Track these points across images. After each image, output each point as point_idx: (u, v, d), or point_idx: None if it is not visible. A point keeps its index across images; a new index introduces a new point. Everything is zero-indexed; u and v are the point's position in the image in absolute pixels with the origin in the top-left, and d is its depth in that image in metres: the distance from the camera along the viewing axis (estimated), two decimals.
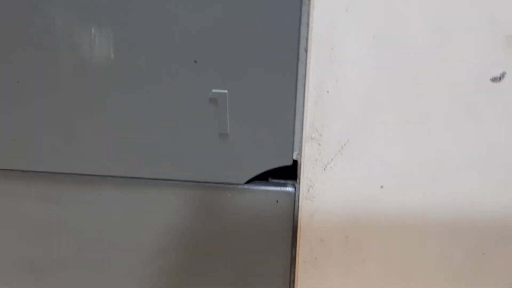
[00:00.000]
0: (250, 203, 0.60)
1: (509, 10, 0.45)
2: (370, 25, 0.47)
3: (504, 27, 0.45)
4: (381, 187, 0.56)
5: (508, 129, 0.51)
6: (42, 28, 0.51)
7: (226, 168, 0.58)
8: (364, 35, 0.47)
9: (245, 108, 0.53)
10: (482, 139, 0.51)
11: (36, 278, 0.70)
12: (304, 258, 0.63)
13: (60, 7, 0.50)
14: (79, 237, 0.66)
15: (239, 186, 0.59)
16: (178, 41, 0.50)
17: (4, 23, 0.52)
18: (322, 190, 0.57)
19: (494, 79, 0.48)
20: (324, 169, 0.56)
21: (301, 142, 0.56)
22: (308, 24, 0.48)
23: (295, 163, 0.58)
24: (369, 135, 0.53)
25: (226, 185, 0.59)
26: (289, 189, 0.59)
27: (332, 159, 0.55)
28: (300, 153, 0.56)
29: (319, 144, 0.54)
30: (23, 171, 0.62)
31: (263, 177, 0.60)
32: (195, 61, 0.51)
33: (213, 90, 0.52)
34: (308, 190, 0.58)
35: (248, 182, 0.59)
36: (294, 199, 0.59)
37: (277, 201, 0.60)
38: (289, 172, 0.60)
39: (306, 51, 0.50)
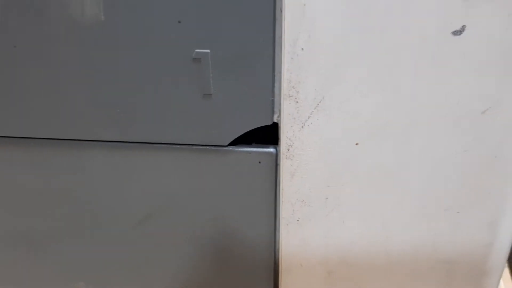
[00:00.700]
0: (234, 165, 0.63)
1: None
2: None
3: None
4: (356, 144, 0.59)
5: (468, 82, 0.54)
6: None
7: (209, 129, 0.61)
8: None
9: (226, 68, 0.57)
10: (450, 90, 0.55)
11: (27, 244, 0.72)
12: (287, 220, 0.65)
13: None
14: (68, 203, 0.68)
15: (223, 148, 0.62)
16: (163, 2, 0.54)
17: None
18: (301, 149, 0.60)
19: (455, 32, 0.52)
20: (302, 127, 0.59)
21: (280, 103, 0.59)
22: None
23: (277, 126, 0.61)
24: (342, 90, 0.56)
25: (209, 147, 0.62)
26: (271, 149, 0.62)
27: (309, 117, 0.58)
28: (280, 115, 0.59)
29: (297, 102, 0.58)
30: (11, 137, 0.64)
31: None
32: (179, 22, 0.55)
33: (196, 50, 0.56)
34: (288, 150, 0.61)
35: (231, 144, 0.62)
36: (276, 160, 0.62)
37: (259, 162, 0.63)
38: (271, 138, 0.63)
39: (281, 10, 0.54)
